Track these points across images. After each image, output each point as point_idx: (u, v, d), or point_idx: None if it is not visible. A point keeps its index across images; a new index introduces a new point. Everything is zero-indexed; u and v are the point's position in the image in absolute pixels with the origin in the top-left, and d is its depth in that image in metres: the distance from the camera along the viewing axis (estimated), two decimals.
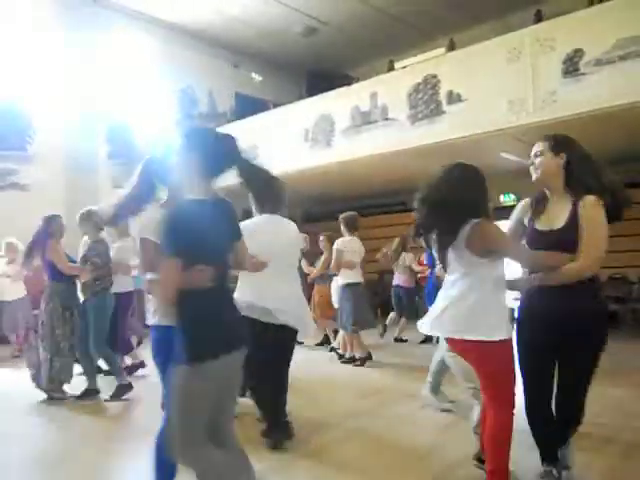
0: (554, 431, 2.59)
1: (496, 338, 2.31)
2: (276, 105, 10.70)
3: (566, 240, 2.38)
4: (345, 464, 3.18)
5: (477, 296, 2.35)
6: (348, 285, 6.03)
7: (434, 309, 2.53)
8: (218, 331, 2.02)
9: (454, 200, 2.34)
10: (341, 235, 6.14)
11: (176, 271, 1.93)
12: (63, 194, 8.87)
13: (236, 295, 3.17)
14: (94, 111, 9.74)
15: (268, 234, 3.39)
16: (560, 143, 2.49)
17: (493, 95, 6.54)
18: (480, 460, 2.80)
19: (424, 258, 7.08)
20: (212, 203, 2.10)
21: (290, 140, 8.97)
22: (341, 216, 6.17)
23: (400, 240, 7.31)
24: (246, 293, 3.31)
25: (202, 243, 1.99)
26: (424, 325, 2.56)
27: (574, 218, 2.38)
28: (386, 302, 10.19)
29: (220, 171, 2.13)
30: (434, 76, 7.22)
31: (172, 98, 11.30)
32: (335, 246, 6.00)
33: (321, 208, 12.04)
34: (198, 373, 1.95)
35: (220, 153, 2.12)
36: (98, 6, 10.07)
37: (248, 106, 11.40)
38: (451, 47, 9.10)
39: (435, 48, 10.75)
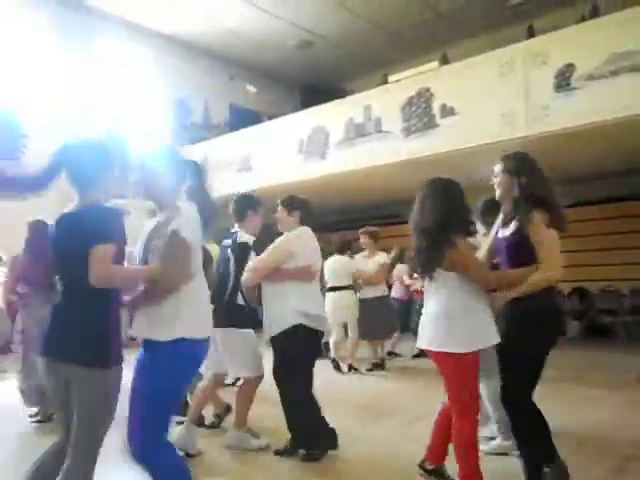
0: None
1: (463, 350, 2.51)
2: (270, 117, 10.72)
3: (513, 244, 2.63)
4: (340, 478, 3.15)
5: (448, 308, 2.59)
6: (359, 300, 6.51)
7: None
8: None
9: (433, 224, 2.58)
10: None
11: None
12: (58, 203, 8.82)
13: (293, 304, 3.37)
14: (89, 121, 9.71)
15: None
16: (518, 164, 2.69)
17: (486, 109, 6.59)
18: (424, 469, 2.88)
19: None
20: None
21: (284, 152, 8.98)
22: None
23: (398, 251, 7.34)
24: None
25: None
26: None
27: (520, 227, 2.60)
28: None
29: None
30: (427, 89, 7.27)
31: (167, 108, 11.32)
32: None
33: (315, 220, 12.03)
34: None
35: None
36: (93, 17, 10.09)
37: (242, 118, 11.45)
38: (444, 61, 9.20)
39: (429, 62, 10.86)
